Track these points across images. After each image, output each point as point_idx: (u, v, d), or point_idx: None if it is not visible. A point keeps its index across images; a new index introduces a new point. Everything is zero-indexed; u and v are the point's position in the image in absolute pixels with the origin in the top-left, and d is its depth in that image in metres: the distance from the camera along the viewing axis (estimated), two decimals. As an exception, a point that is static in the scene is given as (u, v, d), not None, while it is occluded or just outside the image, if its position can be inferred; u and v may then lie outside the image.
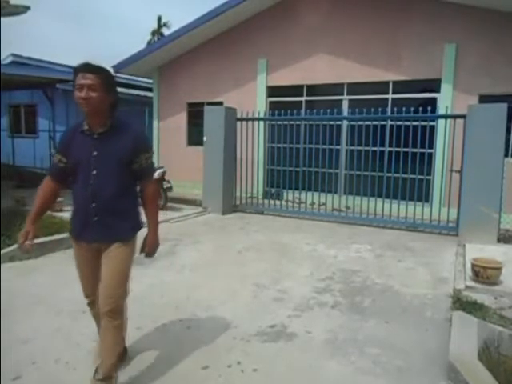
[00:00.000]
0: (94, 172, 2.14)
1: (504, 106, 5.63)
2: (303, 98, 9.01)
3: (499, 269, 4.07)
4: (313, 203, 7.68)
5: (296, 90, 9.03)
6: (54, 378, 2.45)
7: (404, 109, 6.67)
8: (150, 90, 11.98)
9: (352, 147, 7.56)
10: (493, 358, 2.72)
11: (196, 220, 7.22)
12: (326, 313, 3.46)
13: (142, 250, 2.34)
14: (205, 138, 7.86)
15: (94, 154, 2.14)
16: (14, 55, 12.56)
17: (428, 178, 6.92)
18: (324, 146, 7.61)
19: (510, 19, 7.06)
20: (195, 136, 10.05)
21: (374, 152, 7.41)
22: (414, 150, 6.66)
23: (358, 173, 7.24)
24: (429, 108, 6.59)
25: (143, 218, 2.33)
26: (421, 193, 6.90)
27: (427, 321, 3.34)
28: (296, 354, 2.78)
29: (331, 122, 7.37)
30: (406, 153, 6.94)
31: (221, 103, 9.12)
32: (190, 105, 10.43)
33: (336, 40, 8.49)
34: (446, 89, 7.57)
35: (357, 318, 3.35)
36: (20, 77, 9.02)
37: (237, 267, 4.64)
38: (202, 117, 8.02)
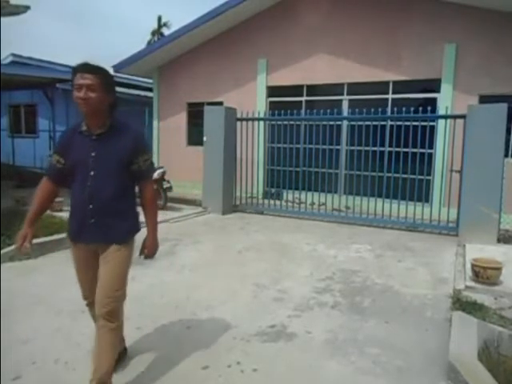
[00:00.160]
0: (92, 173, 2.12)
1: (504, 106, 5.63)
2: (303, 98, 9.01)
3: (499, 269, 4.07)
4: (313, 203, 7.68)
5: (296, 90, 9.03)
6: (53, 378, 2.45)
7: (404, 109, 6.67)
8: (150, 89, 11.99)
9: (352, 147, 7.56)
10: (492, 358, 2.72)
11: (196, 220, 7.22)
12: (325, 313, 3.46)
13: (142, 252, 2.32)
14: (205, 138, 7.86)
15: (93, 154, 2.12)
16: (14, 55, 12.57)
17: (428, 178, 6.92)
18: (324, 146, 7.61)
19: (509, 19, 7.06)
20: (195, 136, 10.04)
21: (374, 152, 7.41)
22: (414, 150, 6.66)
23: (358, 173, 7.24)
24: (429, 108, 6.59)
25: (142, 219, 2.32)
26: (421, 193, 6.90)
27: (427, 321, 3.34)
28: (296, 354, 2.78)
29: (331, 122, 7.37)
30: (406, 153, 6.94)
31: (221, 103, 9.12)
32: (190, 105, 10.43)
33: (336, 40, 8.49)
34: (446, 89, 7.57)
35: (357, 318, 3.35)
36: (20, 77, 9.03)
37: (237, 267, 4.64)
38: (201, 117, 8.02)
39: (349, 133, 7.90)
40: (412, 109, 6.52)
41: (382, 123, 7.05)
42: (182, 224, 6.82)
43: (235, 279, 4.21)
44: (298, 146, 7.94)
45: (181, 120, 10.55)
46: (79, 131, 2.17)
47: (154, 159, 10.47)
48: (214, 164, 7.74)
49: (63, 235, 4.88)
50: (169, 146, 10.68)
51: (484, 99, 7.06)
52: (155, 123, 10.99)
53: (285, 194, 8.11)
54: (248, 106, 8.55)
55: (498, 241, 5.77)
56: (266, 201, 8.07)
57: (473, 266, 4.13)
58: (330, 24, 8.55)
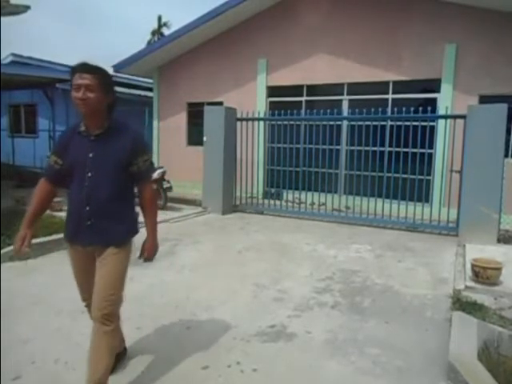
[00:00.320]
0: (90, 174, 2.10)
1: (504, 107, 5.63)
2: (303, 98, 9.01)
3: (499, 269, 4.07)
4: (313, 203, 7.68)
5: (296, 90, 9.03)
6: (53, 378, 2.45)
7: (404, 109, 6.67)
8: (150, 89, 11.99)
9: (352, 147, 7.57)
10: (492, 358, 2.72)
11: (196, 220, 7.22)
12: (325, 313, 3.46)
13: (141, 255, 2.29)
14: (205, 138, 7.86)
15: (90, 155, 2.10)
16: (14, 55, 12.56)
17: (428, 178, 6.92)
18: (324, 146, 7.61)
19: (509, 19, 7.06)
20: (195, 136, 10.04)
21: (374, 152, 7.41)
22: (414, 150, 6.66)
23: (358, 173, 7.24)
24: (429, 108, 6.59)
25: (141, 219, 2.30)
26: (421, 193, 6.90)
27: (427, 321, 3.34)
28: (296, 354, 2.78)
29: (331, 122, 7.37)
30: (406, 153, 6.94)
31: (221, 103, 9.12)
32: (190, 105, 10.43)
33: (336, 40, 8.49)
34: (446, 89, 7.57)
35: (357, 318, 3.35)
36: (20, 76, 9.03)
37: (237, 267, 4.63)
38: (202, 117, 8.02)
39: (349, 133, 7.90)
40: (412, 109, 6.52)
41: (382, 123, 7.05)
42: (182, 224, 6.82)
43: (235, 279, 4.21)
44: (297, 146, 7.94)
45: (181, 120, 10.55)
46: (77, 132, 2.15)
47: (154, 159, 10.47)
48: (214, 164, 7.74)
49: (63, 235, 4.88)
50: (169, 146, 10.68)
51: (484, 99, 7.06)
52: (155, 123, 10.99)
53: (285, 194, 8.11)
54: (248, 106, 8.55)
55: (498, 241, 5.77)
56: (266, 201, 8.07)
57: (473, 266, 4.13)
58: (330, 24, 8.55)
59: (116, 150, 2.11)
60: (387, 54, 8.05)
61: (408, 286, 4.10)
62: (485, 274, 4.01)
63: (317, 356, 2.76)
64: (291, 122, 7.88)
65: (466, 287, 3.98)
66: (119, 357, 2.55)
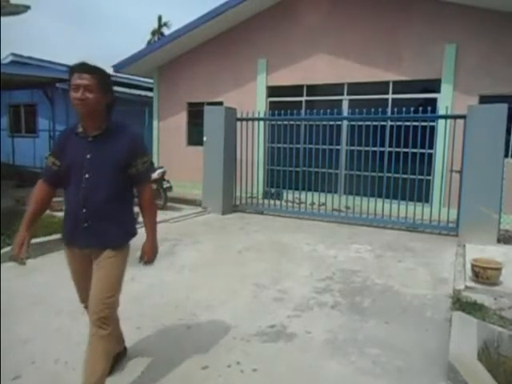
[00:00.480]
0: (87, 176, 2.07)
1: (504, 107, 5.62)
2: (303, 98, 9.01)
3: (499, 269, 4.07)
4: (313, 203, 7.68)
5: (296, 90, 9.03)
6: (53, 377, 2.45)
7: (404, 109, 6.66)
8: (150, 89, 11.99)
9: (352, 147, 7.56)
10: (492, 358, 2.72)
11: (196, 220, 7.21)
12: (325, 313, 3.46)
13: (141, 258, 2.27)
14: (205, 138, 7.86)
15: (88, 157, 2.07)
16: (14, 55, 12.56)
17: (428, 178, 6.91)
18: (324, 146, 7.61)
19: (510, 19, 7.06)
20: (195, 136, 10.04)
21: (374, 152, 7.40)
22: (414, 151, 6.66)
23: (358, 173, 7.24)
24: (429, 108, 6.59)
25: (140, 219, 2.29)
26: (421, 193, 6.90)
27: (427, 321, 3.34)
28: (296, 354, 2.78)
29: (331, 122, 7.37)
30: (406, 153, 6.94)
31: (221, 103, 9.12)
32: (190, 105, 10.44)
33: (336, 40, 8.49)
34: (446, 89, 7.57)
35: (357, 319, 3.35)
36: (20, 76, 9.03)
37: (237, 267, 4.63)
38: (202, 117, 8.02)
39: (349, 133, 7.90)
40: (412, 109, 6.51)
41: (382, 123, 7.05)
42: (182, 224, 6.82)
43: (235, 279, 4.21)
44: (298, 146, 7.94)
45: (181, 120, 10.55)
46: (75, 132, 2.13)
47: (154, 159, 10.48)
48: (214, 164, 7.74)
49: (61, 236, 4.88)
50: (169, 145, 10.68)
51: (484, 99, 7.06)
52: (155, 123, 10.99)
53: (285, 194, 8.11)
54: (248, 106, 8.55)
55: (498, 241, 5.77)
56: (266, 201, 8.07)
57: (473, 266, 4.13)
58: (330, 24, 8.55)
59: (114, 151, 2.09)
60: (387, 54, 8.05)
61: (408, 286, 4.10)
62: (485, 274, 4.01)
63: (317, 356, 2.76)
64: (291, 122, 7.88)
65: (466, 287, 3.98)
66: (119, 357, 2.55)
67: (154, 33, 32.91)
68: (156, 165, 9.18)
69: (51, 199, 2.27)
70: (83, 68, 2.03)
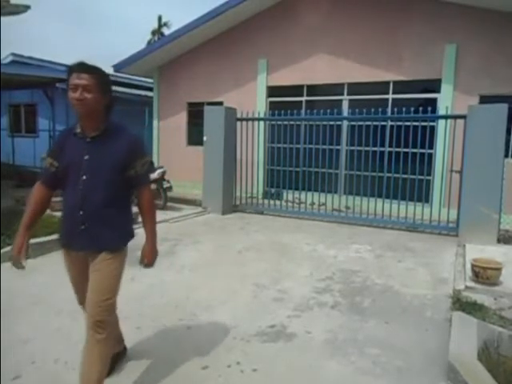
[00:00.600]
0: (84, 177, 2.04)
1: (504, 107, 5.62)
2: (303, 98, 9.01)
3: (499, 269, 4.07)
4: (313, 203, 7.68)
5: (296, 90, 9.03)
6: (53, 377, 2.45)
7: (404, 109, 6.66)
8: (150, 89, 11.98)
9: (352, 147, 7.57)
10: (492, 358, 2.72)
11: (196, 220, 7.21)
12: (325, 313, 3.46)
13: (141, 261, 2.25)
14: (205, 138, 7.86)
15: (86, 158, 2.05)
16: (14, 55, 12.56)
17: (428, 178, 6.91)
18: (324, 146, 7.61)
19: (510, 19, 7.06)
20: (195, 136, 10.04)
21: (374, 152, 7.40)
22: (414, 151, 6.66)
23: (358, 173, 7.24)
24: (429, 108, 6.58)
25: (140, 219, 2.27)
26: (421, 193, 6.90)
27: (427, 321, 3.34)
28: (296, 354, 2.78)
29: (331, 122, 7.37)
30: (406, 153, 6.94)
31: (221, 103, 9.12)
32: (190, 105, 10.44)
33: (336, 40, 8.49)
34: (447, 89, 7.57)
35: (357, 319, 3.35)
36: (20, 76, 9.02)
37: (237, 267, 4.63)
38: (202, 117, 8.02)
39: (349, 133, 7.90)
40: (412, 109, 6.51)
41: (382, 123, 7.05)
42: (182, 224, 6.82)
43: (235, 279, 4.21)
44: (298, 146, 7.94)
45: (181, 120, 10.55)
46: (73, 133, 2.11)
47: (154, 159, 10.48)
48: (214, 164, 7.74)
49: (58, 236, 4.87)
50: (169, 145, 10.68)
51: (484, 99, 7.07)
52: (155, 123, 10.99)
53: (285, 194, 8.11)
54: (248, 106, 8.55)
55: (498, 241, 5.77)
56: (266, 201, 8.07)
57: (473, 266, 4.13)
58: (330, 24, 8.55)
59: (112, 152, 2.06)
60: (387, 54, 8.05)
61: (408, 286, 4.10)
62: (485, 274, 4.01)
63: (317, 356, 2.76)
64: (291, 122, 7.88)
65: (466, 287, 3.98)
66: (119, 356, 2.55)
67: (154, 33, 32.93)
68: (156, 165, 9.18)
69: (49, 201, 2.24)
70: (82, 68, 2.00)
